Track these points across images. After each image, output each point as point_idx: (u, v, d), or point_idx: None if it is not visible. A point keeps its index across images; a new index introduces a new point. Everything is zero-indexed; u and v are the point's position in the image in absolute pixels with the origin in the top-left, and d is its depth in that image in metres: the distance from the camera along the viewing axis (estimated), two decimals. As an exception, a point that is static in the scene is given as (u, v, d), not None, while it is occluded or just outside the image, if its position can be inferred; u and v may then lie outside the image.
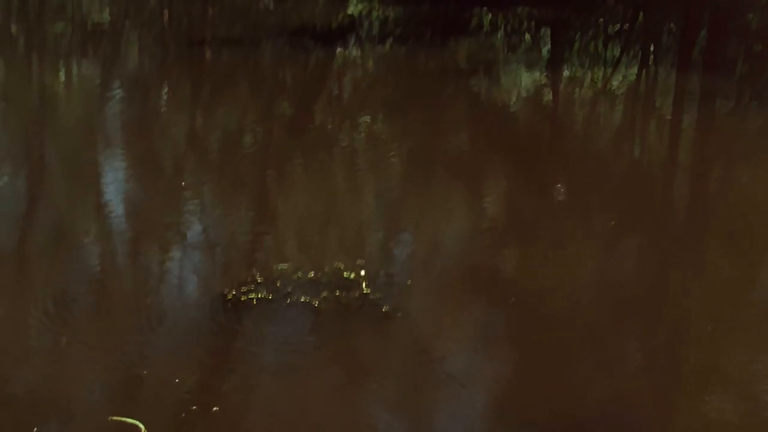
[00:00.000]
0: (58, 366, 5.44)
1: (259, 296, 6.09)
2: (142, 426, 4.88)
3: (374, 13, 16.17)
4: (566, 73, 13.01)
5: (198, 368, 5.48)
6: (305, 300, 6.06)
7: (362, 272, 6.37)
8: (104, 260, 6.93)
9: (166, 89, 12.11)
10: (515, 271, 6.92)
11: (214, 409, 5.03)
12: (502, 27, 15.51)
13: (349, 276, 6.32)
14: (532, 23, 15.76)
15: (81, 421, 4.96)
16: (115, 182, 8.38)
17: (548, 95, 12.10)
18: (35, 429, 4.82)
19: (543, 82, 12.38)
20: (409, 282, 6.41)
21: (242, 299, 6.05)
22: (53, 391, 5.19)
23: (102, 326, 5.94)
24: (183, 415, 5.02)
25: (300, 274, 6.34)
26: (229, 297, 6.08)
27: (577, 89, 12.28)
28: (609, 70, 13.07)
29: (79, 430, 4.91)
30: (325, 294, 6.11)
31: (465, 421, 5.07)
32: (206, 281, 6.45)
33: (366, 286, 6.22)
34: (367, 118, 10.58)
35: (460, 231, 7.62)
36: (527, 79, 12.29)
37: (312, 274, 6.34)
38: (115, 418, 4.93)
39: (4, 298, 6.31)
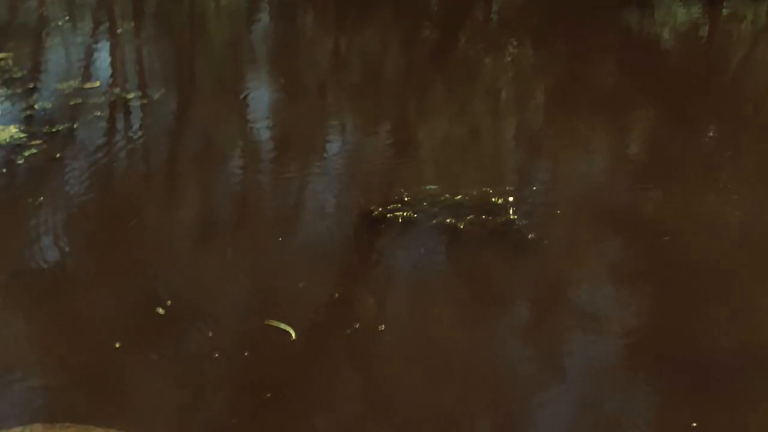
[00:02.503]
0: (207, 276, 5.63)
1: (405, 215, 6.11)
2: (293, 332, 5.01)
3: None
4: (725, 10, 12.35)
5: (339, 282, 5.57)
6: (450, 221, 6.05)
7: (510, 198, 6.29)
8: (249, 177, 7.08)
9: (311, 12, 12.14)
10: (658, 209, 6.69)
11: (356, 325, 5.11)
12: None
13: (497, 201, 6.25)
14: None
15: (237, 325, 5.17)
16: (260, 102, 8.50)
17: (704, 32, 11.53)
18: (210, 333, 5.05)
19: (699, 18, 11.80)
20: (558, 212, 6.30)
21: (388, 216, 6.09)
22: (204, 300, 5.39)
23: (246, 241, 6.10)
24: (323, 326, 5.14)
25: (447, 196, 6.31)
26: (375, 214, 6.13)
27: (735, 27, 11.65)
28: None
29: (234, 333, 5.10)
30: (470, 217, 6.07)
31: (593, 355, 5.00)
32: (352, 198, 6.51)
33: (513, 212, 6.15)
34: (513, 47, 10.34)
35: (604, 165, 7.42)
36: (682, 14, 11.73)
37: (459, 196, 6.30)
38: (271, 322, 5.08)
39: (154, 212, 6.55)
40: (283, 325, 5.05)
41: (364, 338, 5.05)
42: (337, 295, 5.41)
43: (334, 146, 7.54)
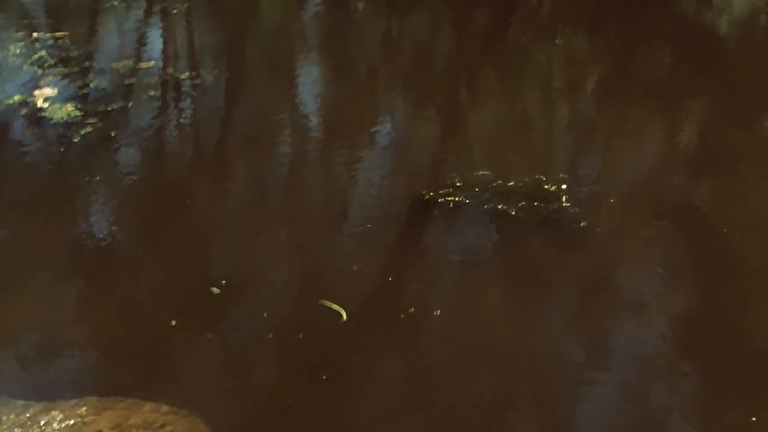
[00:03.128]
0: (261, 257, 5.67)
1: (457, 200, 6.10)
2: (344, 314, 5.03)
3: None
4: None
5: (389, 266, 5.57)
6: (501, 207, 6.02)
7: (563, 186, 6.24)
8: (301, 160, 7.11)
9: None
10: (711, 201, 6.58)
11: (405, 309, 5.11)
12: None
13: (549, 188, 6.20)
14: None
15: (291, 307, 5.20)
16: (311, 84, 8.51)
17: (764, 20, 11.29)
18: (264, 314, 5.08)
19: (760, 6, 11.56)
20: (611, 200, 6.23)
21: (439, 201, 6.08)
22: (258, 280, 5.43)
23: (299, 223, 6.13)
24: (374, 309, 5.16)
25: (500, 182, 6.27)
26: (427, 198, 6.12)
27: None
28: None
29: (288, 315, 5.13)
30: (522, 204, 6.04)
31: (641, 346, 4.95)
32: (404, 182, 6.50)
33: (565, 200, 6.09)
34: (566, 34, 10.22)
35: (659, 155, 7.32)
36: (742, 1, 11.50)
37: (511, 183, 6.26)
38: (324, 302, 5.11)
39: (207, 192, 6.60)
40: (335, 306, 5.08)
41: (413, 322, 5.06)
42: (387, 278, 5.43)
43: (385, 130, 7.53)
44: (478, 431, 4.43)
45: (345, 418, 4.50)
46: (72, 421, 4.34)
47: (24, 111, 7.40)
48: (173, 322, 5.01)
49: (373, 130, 7.48)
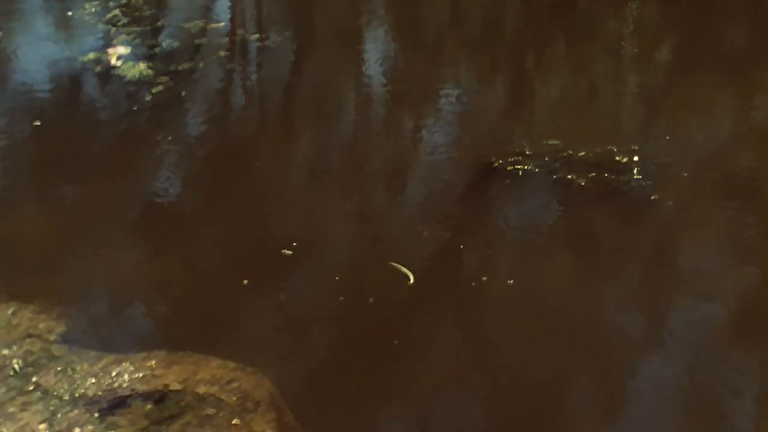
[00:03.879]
0: (332, 220, 5.69)
1: (525, 168, 6.04)
2: (411, 277, 5.04)
3: None
4: None
5: (456, 232, 5.56)
6: (571, 177, 5.94)
7: (635, 158, 6.13)
8: (366, 123, 7.10)
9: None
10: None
11: (484, 278, 5.09)
12: None
13: (621, 160, 6.11)
14: None
15: (362, 271, 5.22)
16: (379, 49, 8.47)
17: None
18: (336, 278, 5.12)
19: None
20: (684, 174, 6.12)
21: (508, 169, 6.03)
22: (329, 243, 5.45)
23: (370, 188, 6.14)
24: (440, 274, 5.15)
25: (569, 152, 6.19)
26: (495, 165, 6.07)
27: None
28: None
29: (360, 279, 5.15)
30: (592, 174, 5.96)
31: (704, 322, 4.88)
32: (473, 149, 6.46)
33: (637, 172, 6.00)
34: (637, 3, 10.00)
35: (733, 129, 7.15)
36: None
37: (582, 153, 6.18)
38: (393, 264, 5.12)
39: (273, 151, 6.64)
40: (404, 269, 5.09)
41: (476, 288, 5.05)
42: (453, 244, 5.41)
43: (454, 97, 7.48)
44: (537, 399, 4.41)
45: (407, 382, 4.51)
46: (141, 374, 4.43)
47: (98, 69, 7.51)
48: (245, 281, 5.05)
49: (442, 96, 7.44)
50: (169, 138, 6.60)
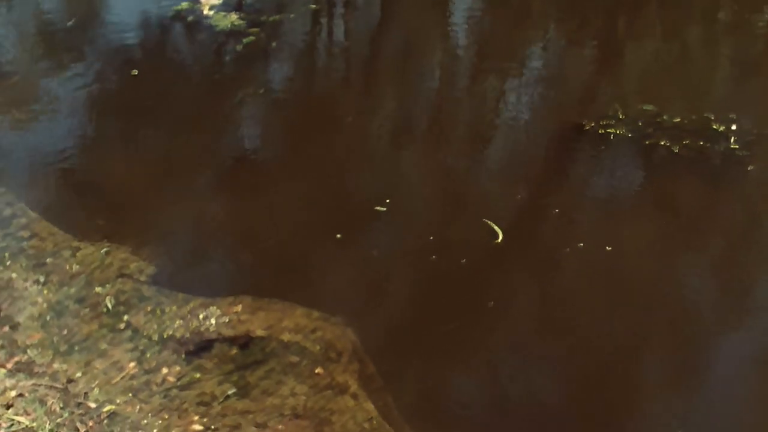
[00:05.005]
0: (426, 178, 5.69)
1: (618, 132, 5.91)
2: (500, 234, 5.01)
3: None
4: None
5: (544, 193, 5.49)
6: (665, 143, 5.80)
7: (733, 126, 5.94)
8: (452, 82, 7.03)
9: None
10: None
11: (568, 240, 5.02)
12: None
13: (718, 128, 5.93)
14: None
15: (455, 231, 5.18)
16: (467, 8, 8.34)
17: None
18: (426, 234, 5.09)
19: None
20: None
21: (599, 132, 5.91)
22: (422, 201, 5.44)
23: (463, 146, 6.09)
24: (529, 234, 5.10)
25: (664, 117, 6.04)
26: (587, 128, 5.96)
27: None
28: None
29: (452, 239, 5.09)
30: (687, 141, 5.80)
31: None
32: (565, 111, 6.35)
33: (734, 141, 5.82)
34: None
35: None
36: None
37: (677, 119, 6.02)
38: (487, 221, 5.10)
39: (358, 107, 6.61)
40: (495, 227, 5.06)
41: (561, 250, 4.99)
42: (540, 205, 5.34)
43: (549, 57, 7.36)
44: (613, 365, 4.36)
45: (487, 341, 4.51)
46: (227, 319, 4.50)
47: (190, 18, 7.57)
48: (338, 236, 5.06)
49: (533, 57, 7.33)
50: (261, 90, 6.64)
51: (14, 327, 4.36)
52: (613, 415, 4.14)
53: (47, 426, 3.77)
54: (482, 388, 4.38)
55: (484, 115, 6.46)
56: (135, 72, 6.74)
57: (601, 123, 5.99)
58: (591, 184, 5.69)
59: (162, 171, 5.62)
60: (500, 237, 5.00)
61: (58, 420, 3.82)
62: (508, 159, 5.87)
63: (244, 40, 7.19)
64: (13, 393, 3.88)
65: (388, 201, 5.31)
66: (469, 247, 4.95)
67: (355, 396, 4.14)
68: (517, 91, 6.79)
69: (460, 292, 4.72)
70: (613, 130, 5.92)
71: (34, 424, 3.76)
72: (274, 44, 7.24)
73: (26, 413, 3.82)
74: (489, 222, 5.10)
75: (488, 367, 4.43)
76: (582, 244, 5.00)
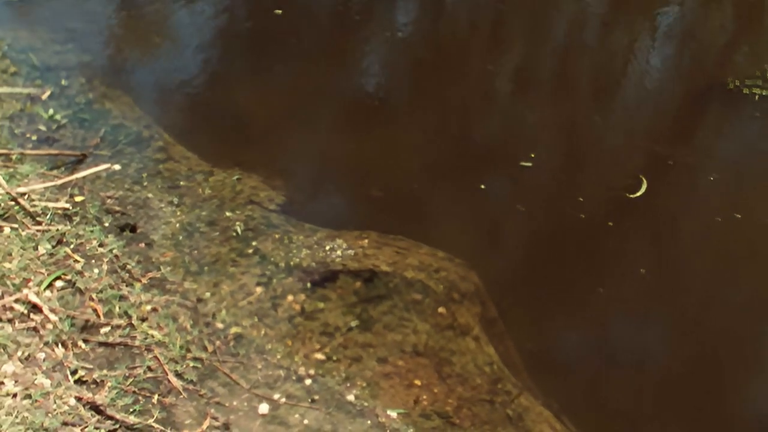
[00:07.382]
0: (551, 131, 5.57)
1: (764, 93, 5.65)
2: (644, 187, 4.88)
3: None
4: None
5: (680, 150, 5.31)
6: (814, 107, 5.54)
7: None
8: (593, 36, 6.83)
9: None
10: None
11: (703, 205, 4.86)
12: None
13: None
14: None
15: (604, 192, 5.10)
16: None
17: None
18: (580, 198, 4.99)
19: None
20: None
21: (744, 92, 5.66)
22: (570, 158, 5.34)
23: (593, 100, 5.94)
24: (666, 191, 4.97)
25: (815, 78, 5.78)
26: (731, 87, 5.71)
27: None
28: None
29: (602, 201, 5.01)
30: (838, 105, 5.52)
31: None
32: (708, 68, 6.11)
33: None
34: None
35: None
36: None
37: (833, 82, 5.74)
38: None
39: (488, 57, 6.47)
40: (645, 181, 4.95)
41: (681, 218, 4.84)
42: (680, 165, 5.17)
43: (689, 13, 7.06)
44: (730, 330, 4.25)
45: (603, 299, 4.42)
46: (353, 251, 4.53)
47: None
48: (482, 186, 5.01)
49: (676, 14, 7.05)
50: (388, 33, 6.58)
51: (149, 244, 4.49)
52: (723, 381, 4.02)
53: (178, 342, 3.87)
54: (598, 343, 4.31)
55: (627, 72, 6.26)
56: (279, 11, 6.77)
57: (746, 82, 5.74)
58: (733, 146, 5.46)
59: (296, 105, 5.65)
60: (643, 189, 4.86)
61: (188, 337, 3.92)
62: (650, 118, 5.68)
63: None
64: (148, 307, 4.00)
65: (533, 156, 5.24)
66: (609, 204, 4.84)
67: (476, 338, 4.12)
68: (660, 48, 6.55)
69: (585, 247, 4.63)
70: (759, 91, 5.67)
71: (166, 339, 3.87)
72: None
73: (159, 327, 3.93)
74: (642, 177, 4.97)
75: (607, 323, 4.35)
76: (719, 211, 4.83)
